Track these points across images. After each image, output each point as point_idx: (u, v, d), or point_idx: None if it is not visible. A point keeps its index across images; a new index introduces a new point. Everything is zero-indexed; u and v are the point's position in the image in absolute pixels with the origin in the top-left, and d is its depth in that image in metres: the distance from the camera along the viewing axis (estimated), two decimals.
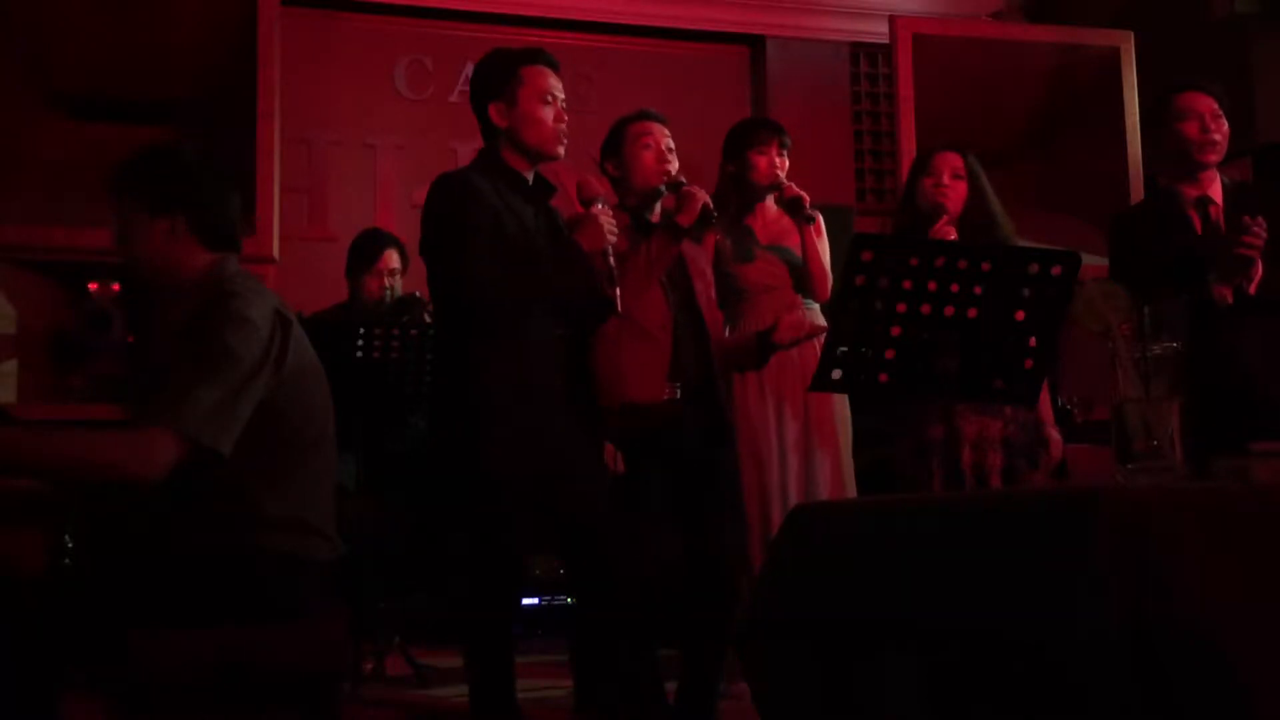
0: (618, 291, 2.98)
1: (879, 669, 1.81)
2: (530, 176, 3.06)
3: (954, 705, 1.69)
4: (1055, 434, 3.66)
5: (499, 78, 3.04)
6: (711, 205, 3.23)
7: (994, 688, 1.63)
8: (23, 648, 2.08)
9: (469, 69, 6.14)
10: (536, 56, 3.05)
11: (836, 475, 3.85)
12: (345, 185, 5.94)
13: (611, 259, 2.97)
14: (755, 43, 6.50)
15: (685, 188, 3.26)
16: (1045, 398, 3.62)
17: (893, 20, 5.11)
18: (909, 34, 5.02)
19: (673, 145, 3.37)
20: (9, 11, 4.37)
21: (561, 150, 3.04)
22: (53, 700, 2.13)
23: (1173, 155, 3.58)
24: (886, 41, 5.18)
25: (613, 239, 2.96)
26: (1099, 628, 1.47)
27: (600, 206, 3.00)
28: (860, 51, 6.53)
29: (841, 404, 3.92)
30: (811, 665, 1.95)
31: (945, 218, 3.53)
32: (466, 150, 5.92)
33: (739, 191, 3.88)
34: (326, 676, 2.32)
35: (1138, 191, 5.15)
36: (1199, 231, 3.50)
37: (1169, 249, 3.47)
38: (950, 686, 1.69)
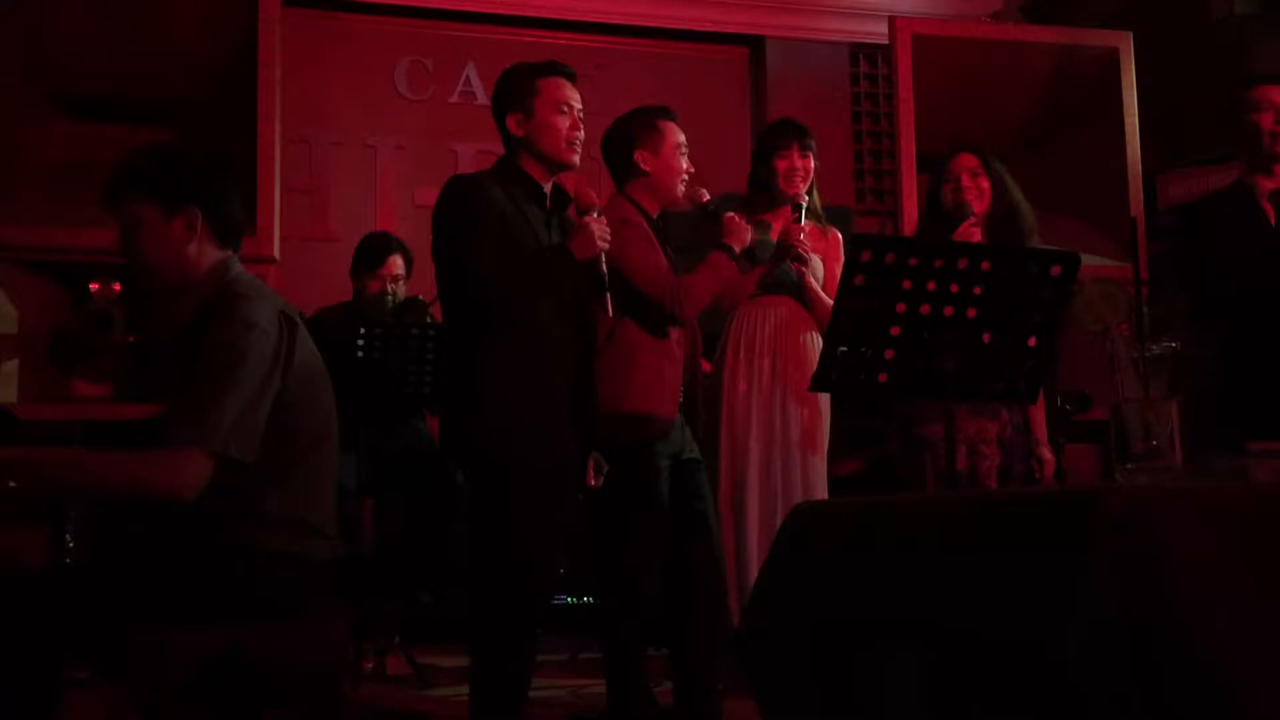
0: (609, 296, 3.05)
1: (878, 668, 1.81)
2: (548, 187, 3.09)
3: (953, 704, 1.69)
4: (1048, 455, 3.65)
5: (517, 89, 3.08)
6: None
7: (993, 687, 1.63)
8: (23, 646, 2.08)
9: (469, 69, 6.23)
10: (554, 69, 3.10)
11: (810, 475, 3.75)
12: (345, 185, 5.94)
13: (604, 266, 3.03)
14: (755, 43, 6.50)
15: (729, 217, 3.40)
16: (1041, 417, 3.62)
17: (892, 21, 5.10)
18: (909, 34, 5.02)
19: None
20: (9, 11, 4.36)
21: (577, 158, 3.08)
22: (53, 699, 2.14)
23: (1247, 147, 3.66)
24: (886, 42, 5.18)
25: (604, 246, 3.01)
26: (1098, 628, 1.47)
27: (595, 215, 3.04)
28: (860, 52, 6.53)
29: (826, 405, 3.87)
30: (811, 665, 1.95)
31: (970, 219, 3.52)
32: (467, 150, 5.94)
33: (765, 194, 3.89)
34: (326, 676, 2.32)
35: (1137, 192, 5.15)
36: (1272, 224, 3.54)
37: (1241, 239, 3.52)
38: (949, 686, 1.69)
